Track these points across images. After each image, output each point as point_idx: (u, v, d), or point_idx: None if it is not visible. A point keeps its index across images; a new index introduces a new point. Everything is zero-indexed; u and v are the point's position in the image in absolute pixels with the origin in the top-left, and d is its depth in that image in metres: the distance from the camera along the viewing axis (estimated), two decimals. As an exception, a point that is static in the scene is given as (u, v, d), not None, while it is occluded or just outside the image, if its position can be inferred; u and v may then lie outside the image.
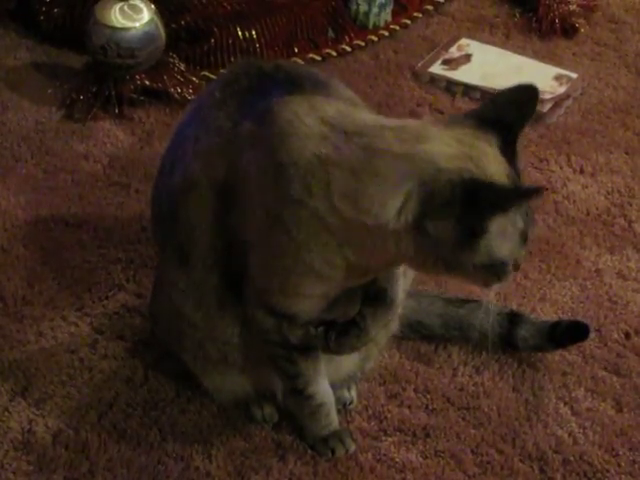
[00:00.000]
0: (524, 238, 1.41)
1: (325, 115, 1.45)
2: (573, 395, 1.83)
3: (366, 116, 1.49)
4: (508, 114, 1.42)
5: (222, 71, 2.52)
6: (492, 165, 1.37)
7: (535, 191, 1.36)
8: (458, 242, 1.35)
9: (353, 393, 1.79)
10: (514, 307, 1.97)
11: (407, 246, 1.39)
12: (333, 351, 1.60)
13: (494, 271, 1.41)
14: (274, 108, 1.46)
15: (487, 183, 1.34)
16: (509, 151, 1.40)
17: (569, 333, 1.87)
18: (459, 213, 1.33)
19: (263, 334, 1.57)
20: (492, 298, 1.51)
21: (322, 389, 1.66)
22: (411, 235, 1.37)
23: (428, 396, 1.82)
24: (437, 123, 1.43)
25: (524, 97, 1.43)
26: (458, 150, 1.36)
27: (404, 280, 1.63)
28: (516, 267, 1.45)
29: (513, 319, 1.89)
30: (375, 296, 1.58)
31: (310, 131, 1.42)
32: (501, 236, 1.37)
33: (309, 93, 1.51)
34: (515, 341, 1.88)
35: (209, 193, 1.52)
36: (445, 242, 1.36)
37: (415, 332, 1.89)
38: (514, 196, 1.35)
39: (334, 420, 1.71)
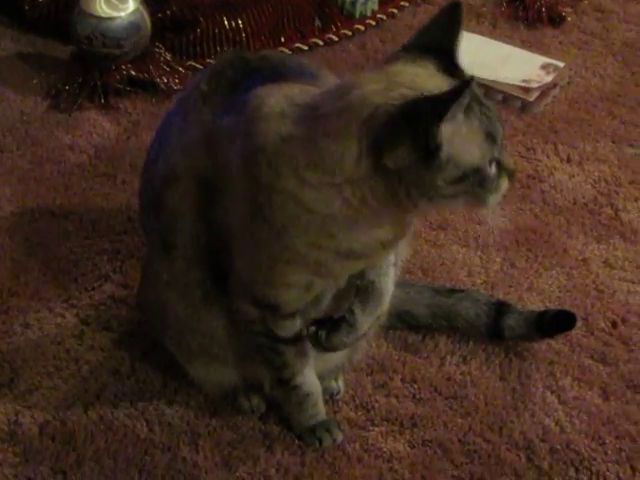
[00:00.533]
0: (492, 138, 1.36)
1: (287, 94, 1.45)
2: (560, 384, 1.84)
3: (322, 87, 1.48)
4: (438, 36, 1.40)
5: (210, 62, 2.53)
6: (429, 83, 1.35)
7: (465, 85, 1.30)
8: (421, 165, 1.33)
9: (340, 383, 1.79)
10: (501, 296, 1.98)
11: (379, 192, 1.37)
12: (326, 349, 1.60)
13: (475, 182, 1.36)
14: (249, 98, 1.46)
15: (418, 98, 1.31)
16: (451, 68, 1.38)
17: (556, 322, 1.88)
18: (407, 137, 1.31)
19: (249, 326, 1.57)
20: (497, 220, 1.44)
21: (309, 379, 1.66)
22: (378, 178, 1.36)
23: (415, 386, 1.82)
24: (373, 68, 1.43)
25: (449, 15, 1.41)
26: (389, 82, 1.35)
27: (393, 270, 1.62)
28: (506, 171, 1.40)
29: (500, 308, 1.89)
30: (364, 290, 1.58)
31: (272, 111, 1.43)
32: (460, 142, 1.33)
33: (291, 82, 1.51)
34: (502, 331, 1.88)
35: (192, 186, 1.52)
36: (409, 170, 1.33)
37: (403, 322, 1.89)
38: (447, 98, 1.30)
39: (321, 410, 1.71)
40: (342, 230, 1.42)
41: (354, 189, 1.37)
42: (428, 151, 1.31)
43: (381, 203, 1.38)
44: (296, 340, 1.59)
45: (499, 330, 1.89)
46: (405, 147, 1.32)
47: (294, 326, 1.57)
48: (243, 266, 1.50)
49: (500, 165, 1.39)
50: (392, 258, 1.59)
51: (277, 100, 1.44)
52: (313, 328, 1.58)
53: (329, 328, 1.58)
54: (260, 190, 1.42)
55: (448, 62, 1.39)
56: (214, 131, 1.50)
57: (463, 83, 1.30)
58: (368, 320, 1.59)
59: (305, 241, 1.43)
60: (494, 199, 1.41)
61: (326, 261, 1.45)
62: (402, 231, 1.48)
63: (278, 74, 1.52)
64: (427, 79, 1.36)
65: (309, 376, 1.65)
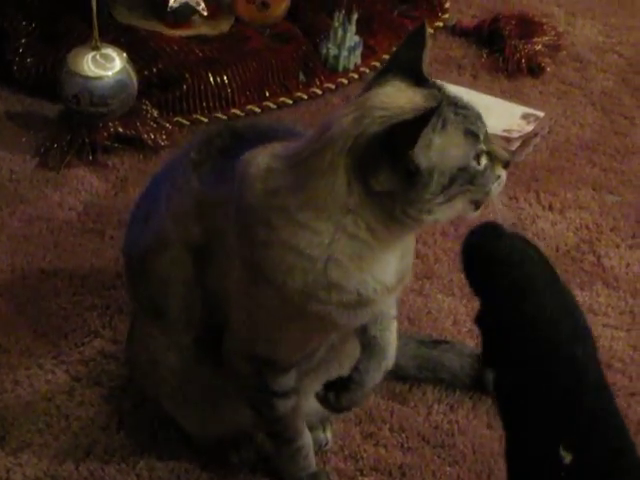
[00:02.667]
0: (472, 133, 1.36)
1: (272, 152, 1.47)
2: (546, 430, 1.86)
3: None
4: (404, 56, 1.42)
5: (196, 118, 2.57)
6: (400, 99, 1.37)
7: (432, 111, 1.30)
8: (406, 184, 1.33)
9: (329, 434, 1.80)
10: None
11: (379, 214, 1.37)
12: (337, 409, 1.62)
13: (464, 181, 1.36)
14: (237, 163, 1.48)
15: (390, 125, 1.33)
16: (421, 81, 1.40)
17: None
18: (386, 162, 1.33)
19: (243, 381, 1.58)
20: (503, 210, 1.44)
21: (301, 432, 1.67)
22: (372, 201, 1.36)
23: (403, 435, 1.84)
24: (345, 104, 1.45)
25: (414, 37, 1.44)
26: (362, 110, 1.37)
27: (395, 324, 1.62)
28: (499, 160, 1.40)
29: (483, 360, 1.92)
30: (367, 347, 1.60)
31: (258, 170, 1.44)
32: (438, 153, 1.33)
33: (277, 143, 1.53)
34: (485, 384, 1.89)
35: (183, 253, 1.53)
36: (396, 188, 1.34)
37: (390, 372, 1.90)
38: (418, 124, 1.31)
39: (312, 462, 1.72)
40: (345, 275, 1.40)
41: (356, 219, 1.37)
42: (409, 173, 1.33)
43: (386, 227, 1.38)
44: (289, 394, 1.60)
45: (483, 382, 1.90)
46: (386, 171, 1.33)
47: (289, 380, 1.58)
48: (241, 325, 1.51)
49: (491, 155, 1.39)
50: (393, 311, 1.60)
51: (263, 158, 1.46)
52: (322, 391, 1.59)
53: (338, 389, 1.59)
54: (255, 249, 1.42)
55: (417, 77, 1.41)
56: (204, 199, 1.51)
57: (430, 110, 1.31)
58: (375, 376, 1.60)
59: (306, 295, 1.42)
60: (494, 190, 1.40)
61: (330, 315, 1.44)
62: (406, 272, 1.48)
63: (265, 138, 1.53)
64: (398, 96, 1.38)
65: (301, 428, 1.66)
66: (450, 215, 1.41)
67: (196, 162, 1.57)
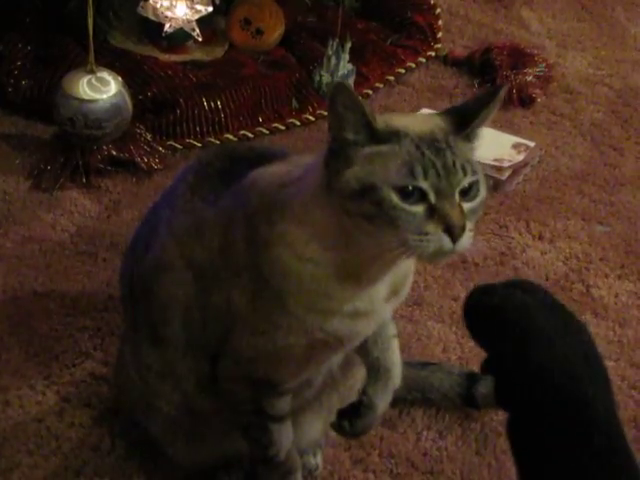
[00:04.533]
0: (411, 171, 1.28)
1: (287, 161, 1.50)
2: (535, 458, 1.86)
3: None
4: (466, 105, 1.40)
5: (190, 142, 2.58)
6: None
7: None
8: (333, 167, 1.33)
9: (319, 459, 1.81)
10: (475, 370, 2.01)
11: (333, 208, 1.35)
12: (354, 436, 1.63)
13: (373, 202, 1.29)
14: (244, 181, 1.49)
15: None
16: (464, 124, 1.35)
17: None
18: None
19: (239, 406, 1.58)
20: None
21: (292, 455, 1.67)
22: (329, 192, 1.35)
23: (392, 461, 1.85)
24: None
25: (485, 92, 1.40)
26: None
27: (396, 342, 1.63)
28: (441, 221, 1.29)
29: (472, 377, 1.93)
30: (372, 369, 1.61)
31: (266, 173, 1.47)
32: (374, 160, 1.30)
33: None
34: (475, 399, 1.92)
35: (185, 274, 1.53)
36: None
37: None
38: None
39: (301, 486, 1.73)
40: (334, 283, 1.40)
41: (330, 210, 1.34)
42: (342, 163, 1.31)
43: (348, 234, 1.35)
44: (284, 418, 1.60)
45: (473, 399, 1.92)
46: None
47: (285, 405, 1.58)
48: (244, 345, 1.50)
49: (439, 213, 1.29)
50: (393, 330, 1.61)
51: (272, 168, 1.48)
52: (336, 420, 1.61)
53: (350, 416, 1.60)
54: (259, 251, 1.42)
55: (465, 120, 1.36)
56: (206, 219, 1.52)
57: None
58: (385, 398, 1.61)
59: (300, 302, 1.41)
60: (421, 246, 1.29)
61: (332, 326, 1.44)
62: (400, 284, 1.47)
63: (263, 161, 1.54)
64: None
65: (292, 452, 1.66)
66: (376, 238, 1.32)
67: (194, 184, 1.58)
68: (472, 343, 2.06)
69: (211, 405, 1.62)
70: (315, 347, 1.49)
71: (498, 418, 1.92)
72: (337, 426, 1.61)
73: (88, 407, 1.89)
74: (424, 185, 1.29)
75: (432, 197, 1.29)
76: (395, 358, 1.62)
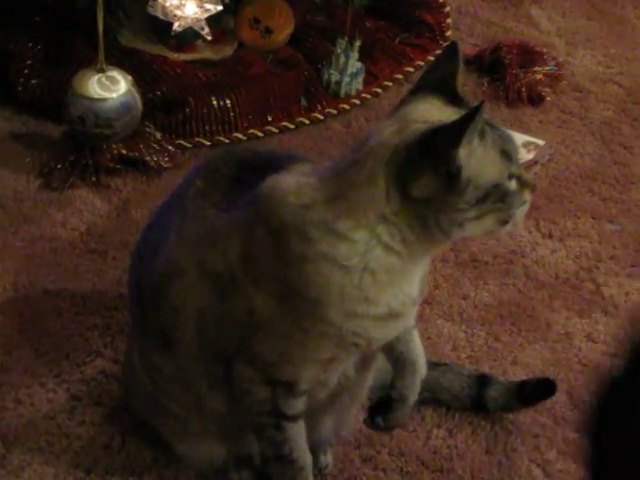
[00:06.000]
0: (507, 154, 1.42)
1: (300, 171, 1.51)
2: (545, 457, 1.87)
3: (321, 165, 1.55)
4: (439, 74, 1.47)
5: (199, 141, 2.59)
6: (439, 115, 1.42)
7: (477, 108, 1.35)
8: (444, 190, 1.38)
9: (329, 457, 1.81)
10: (486, 370, 2.01)
11: (414, 224, 1.41)
12: (388, 430, 1.69)
13: (496, 198, 1.41)
14: (258, 189, 1.50)
15: (434, 128, 1.38)
16: (456, 100, 1.45)
17: (537, 390, 1.92)
18: (428, 165, 1.37)
19: (255, 406, 1.58)
20: (522, 230, 1.48)
21: (304, 452, 1.67)
22: (409, 210, 1.40)
23: (402, 459, 1.85)
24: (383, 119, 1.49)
25: (447, 55, 1.49)
26: (401, 123, 1.42)
27: (416, 332, 1.66)
28: (527, 185, 1.46)
29: (482, 380, 1.94)
30: (397, 363, 1.64)
31: (288, 188, 1.47)
32: (477, 163, 1.38)
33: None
34: (485, 401, 1.92)
35: (198, 280, 1.53)
36: (434, 196, 1.38)
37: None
38: (461, 124, 1.36)
39: (311, 484, 1.73)
40: (377, 287, 1.44)
41: (391, 228, 1.41)
42: (449, 176, 1.37)
43: (419, 238, 1.42)
44: (299, 417, 1.60)
45: (483, 401, 1.93)
46: (428, 175, 1.38)
47: (302, 404, 1.59)
48: (267, 349, 1.51)
49: (520, 180, 1.45)
50: (412, 321, 1.62)
51: (290, 178, 1.49)
52: (368, 417, 1.65)
53: (382, 412, 1.63)
54: (291, 266, 1.44)
55: (452, 95, 1.46)
56: (220, 227, 1.52)
57: (474, 108, 1.36)
58: (413, 389, 1.65)
59: (341, 310, 1.44)
60: (520, 212, 1.46)
61: (365, 329, 1.47)
62: (424, 284, 1.53)
63: (271, 165, 1.55)
64: (436, 112, 1.43)
65: (304, 449, 1.66)
66: (477, 232, 1.46)
67: (204, 191, 1.59)
68: (481, 341, 2.09)
69: (223, 406, 1.62)
70: (343, 349, 1.51)
71: (508, 417, 1.92)
72: (370, 422, 1.64)
73: (99, 405, 1.90)
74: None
75: (514, 169, 1.43)
76: (418, 349, 1.65)
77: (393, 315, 1.49)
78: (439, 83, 1.47)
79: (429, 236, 1.43)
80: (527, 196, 1.47)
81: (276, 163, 1.57)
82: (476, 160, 1.38)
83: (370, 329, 1.48)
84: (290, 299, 1.46)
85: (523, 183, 1.46)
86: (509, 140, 1.45)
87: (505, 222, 1.46)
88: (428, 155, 1.37)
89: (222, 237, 1.51)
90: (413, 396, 1.66)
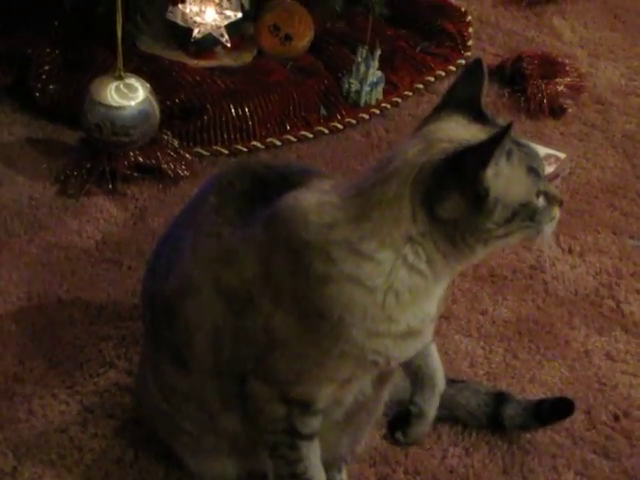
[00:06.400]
0: (534, 172, 1.41)
1: (319, 188, 1.49)
2: (563, 478, 1.84)
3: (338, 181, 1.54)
4: (464, 91, 1.47)
5: (217, 149, 2.57)
6: (465, 133, 1.41)
7: (506, 129, 1.34)
8: (471, 211, 1.37)
9: (344, 475, 1.79)
10: (503, 388, 1.99)
11: (441, 244, 1.40)
12: (409, 444, 1.69)
13: (525, 217, 1.41)
14: (276, 207, 1.48)
15: (461, 148, 1.37)
16: (481, 117, 1.44)
17: (554, 410, 1.90)
18: (455, 186, 1.36)
19: (270, 424, 1.56)
20: (552, 245, 1.47)
21: (318, 471, 1.64)
22: (434, 230, 1.39)
23: (418, 478, 1.82)
24: (407, 138, 1.47)
25: (472, 71, 1.48)
26: (427, 142, 1.41)
27: (433, 346, 1.65)
28: (555, 200, 1.45)
29: (499, 398, 1.91)
30: (415, 378, 1.64)
31: (308, 206, 1.45)
32: (505, 183, 1.37)
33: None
34: (503, 420, 1.90)
35: (214, 298, 1.51)
36: (462, 217, 1.38)
37: (405, 412, 1.90)
38: (490, 145, 1.35)
39: (325, 502, 1.71)
40: (400, 307, 1.43)
41: (417, 249, 1.40)
42: (477, 197, 1.36)
43: (445, 257, 1.41)
44: (313, 436, 1.59)
45: (499, 420, 1.90)
46: (455, 196, 1.37)
47: (317, 423, 1.57)
48: (283, 367, 1.49)
49: (547, 196, 1.44)
50: (430, 337, 1.60)
51: (310, 196, 1.47)
52: (389, 432, 1.66)
53: (402, 427, 1.63)
54: (312, 286, 1.42)
55: (476, 113, 1.45)
56: (235, 245, 1.50)
57: (503, 128, 1.35)
58: (432, 404, 1.64)
59: (363, 329, 1.43)
60: (548, 229, 1.46)
61: (386, 348, 1.46)
62: (442, 302, 1.52)
63: (285, 180, 1.54)
64: (462, 130, 1.42)
65: (318, 467, 1.64)
66: (500, 248, 1.48)
67: (217, 206, 1.56)
68: (499, 358, 2.07)
69: (237, 424, 1.60)
70: (363, 368, 1.50)
71: (526, 436, 1.90)
72: (391, 437, 1.64)
73: (111, 418, 1.88)
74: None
75: (542, 185, 1.42)
76: (436, 363, 1.65)
77: (412, 333, 1.47)
78: (463, 100, 1.45)
79: (455, 255, 1.42)
80: (555, 212, 1.46)
81: (291, 178, 1.55)
82: (504, 180, 1.37)
83: (390, 347, 1.47)
84: (310, 318, 1.44)
85: (551, 199, 1.45)
86: (535, 156, 1.44)
87: (531, 239, 1.46)
88: (455, 176, 1.36)
89: (238, 255, 1.49)
90: (432, 410, 1.65)
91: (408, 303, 1.44)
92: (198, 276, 1.53)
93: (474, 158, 1.35)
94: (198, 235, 1.56)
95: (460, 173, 1.36)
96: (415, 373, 1.64)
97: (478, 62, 1.48)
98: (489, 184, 1.36)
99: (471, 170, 1.35)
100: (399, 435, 1.65)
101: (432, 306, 1.48)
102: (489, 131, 1.41)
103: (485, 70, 1.47)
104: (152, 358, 1.67)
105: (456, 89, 1.48)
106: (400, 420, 1.65)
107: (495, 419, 1.91)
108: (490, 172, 1.35)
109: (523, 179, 1.40)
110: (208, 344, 1.54)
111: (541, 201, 1.43)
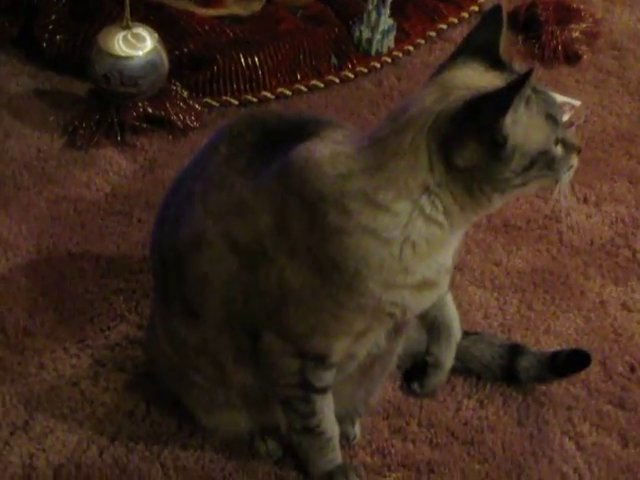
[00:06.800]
0: (552, 119, 1.39)
1: (332, 138, 1.46)
2: (578, 430, 1.82)
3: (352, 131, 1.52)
4: (481, 38, 1.44)
5: (226, 100, 2.53)
6: (482, 81, 1.39)
7: (526, 76, 1.32)
8: (489, 159, 1.35)
9: (357, 428, 1.78)
10: (518, 339, 1.97)
11: (458, 193, 1.39)
12: (426, 395, 1.69)
13: (543, 165, 1.38)
14: (289, 158, 1.45)
15: (479, 96, 1.35)
16: (498, 64, 1.42)
17: (570, 362, 1.87)
18: (473, 134, 1.34)
19: (283, 378, 1.55)
20: (567, 194, 1.46)
21: (332, 424, 1.65)
22: (453, 179, 1.38)
23: (432, 430, 1.81)
24: (422, 86, 1.45)
25: (490, 18, 1.45)
26: (444, 89, 1.39)
27: (449, 295, 1.64)
28: (573, 148, 1.43)
29: (514, 350, 1.89)
30: (432, 328, 1.62)
31: (322, 157, 1.43)
32: (523, 130, 1.35)
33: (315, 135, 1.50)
34: (517, 373, 1.88)
35: (225, 252, 1.49)
36: (479, 166, 1.36)
37: (419, 363, 1.88)
38: (508, 92, 1.33)
39: (339, 453, 1.70)
40: (417, 258, 1.42)
41: (434, 199, 1.39)
42: (495, 145, 1.34)
43: (462, 207, 1.40)
44: (327, 389, 1.58)
45: (514, 372, 1.88)
46: (472, 144, 1.35)
47: (331, 376, 1.56)
48: (298, 321, 1.48)
49: (565, 143, 1.41)
50: (446, 288, 1.59)
51: (323, 146, 1.44)
52: (405, 383, 1.65)
53: (419, 377, 1.62)
54: (328, 238, 1.41)
55: (494, 60, 1.42)
56: (247, 197, 1.47)
57: (522, 75, 1.32)
58: (449, 354, 1.64)
59: (380, 281, 1.42)
60: (566, 177, 1.44)
61: (402, 299, 1.45)
62: (456, 254, 1.51)
63: (296, 131, 1.50)
64: (479, 78, 1.40)
65: (332, 420, 1.64)
66: (517, 196, 1.44)
67: (228, 157, 1.53)
68: (514, 310, 2.05)
69: (249, 378, 1.59)
70: (378, 320, 1.49)
71: (541, 388, 1.88)
72: (407, 388, 1.63)
73: (123, 371, 1.87)
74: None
75: (560, 133, 1.39)
76: (452, 313, 1.64)
77: (428, 284, 1.46)
78: (481, 47, 1.42)
79: (472, 205, 1.40)
80: (574, 160, 1.44)
81: (303, 128, 1.52)
82: (522, 128, 1.35)
83: (407, 298, 1.46)
84: (325, 271, 1.42)
85: (569, 146, 1.42)
86: (554, 103, 1.41)
87: (548, 186, 1.44)
88: (473, 124, 1.34)
89: (250, 207, 1.47)
90: (449, 360, 1.64)
91: (424, 254, 1.42)
92: (209, 229, 1.51)
93: (493, 105, 1.32)
94: (208, 187, 1.53)
95: (478, 121, 1.33)
96: (431, 323, 1.63)
97: (497, 8, 1.45)
98: (507, 132, 1.33)
99: (489, 118, 1.32)
100: (415, 386, 1.64)
101: (447, 257, 1.46)
102: (506, 78, 1.38)
103: (504, 17, 1.44)
104: (162, 311, 1.66)
105: (473, 35, 1.45)
106: (416, 371, 1.64)
107: (509, 371, 1.89)
108: (509, 119, 1.33)
109: (541, 126, 1.38)
110: (220, 298, 1.52)
111: (559, 149, 1.40)
